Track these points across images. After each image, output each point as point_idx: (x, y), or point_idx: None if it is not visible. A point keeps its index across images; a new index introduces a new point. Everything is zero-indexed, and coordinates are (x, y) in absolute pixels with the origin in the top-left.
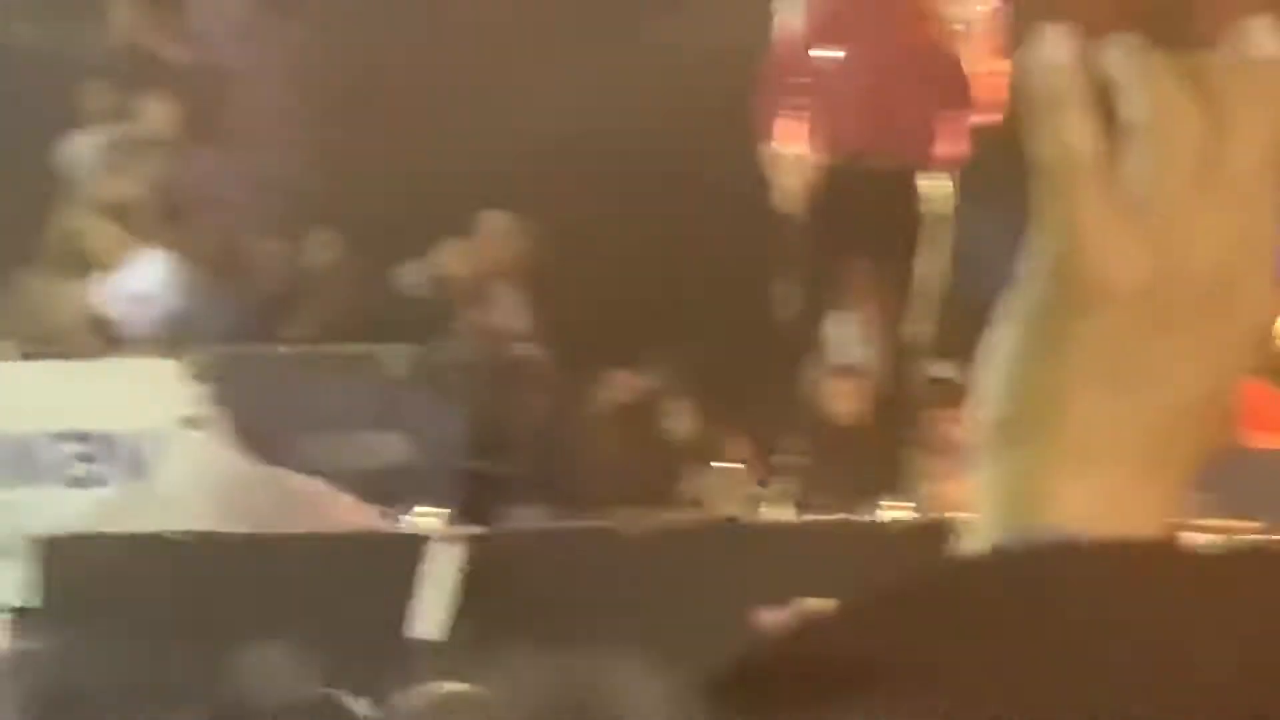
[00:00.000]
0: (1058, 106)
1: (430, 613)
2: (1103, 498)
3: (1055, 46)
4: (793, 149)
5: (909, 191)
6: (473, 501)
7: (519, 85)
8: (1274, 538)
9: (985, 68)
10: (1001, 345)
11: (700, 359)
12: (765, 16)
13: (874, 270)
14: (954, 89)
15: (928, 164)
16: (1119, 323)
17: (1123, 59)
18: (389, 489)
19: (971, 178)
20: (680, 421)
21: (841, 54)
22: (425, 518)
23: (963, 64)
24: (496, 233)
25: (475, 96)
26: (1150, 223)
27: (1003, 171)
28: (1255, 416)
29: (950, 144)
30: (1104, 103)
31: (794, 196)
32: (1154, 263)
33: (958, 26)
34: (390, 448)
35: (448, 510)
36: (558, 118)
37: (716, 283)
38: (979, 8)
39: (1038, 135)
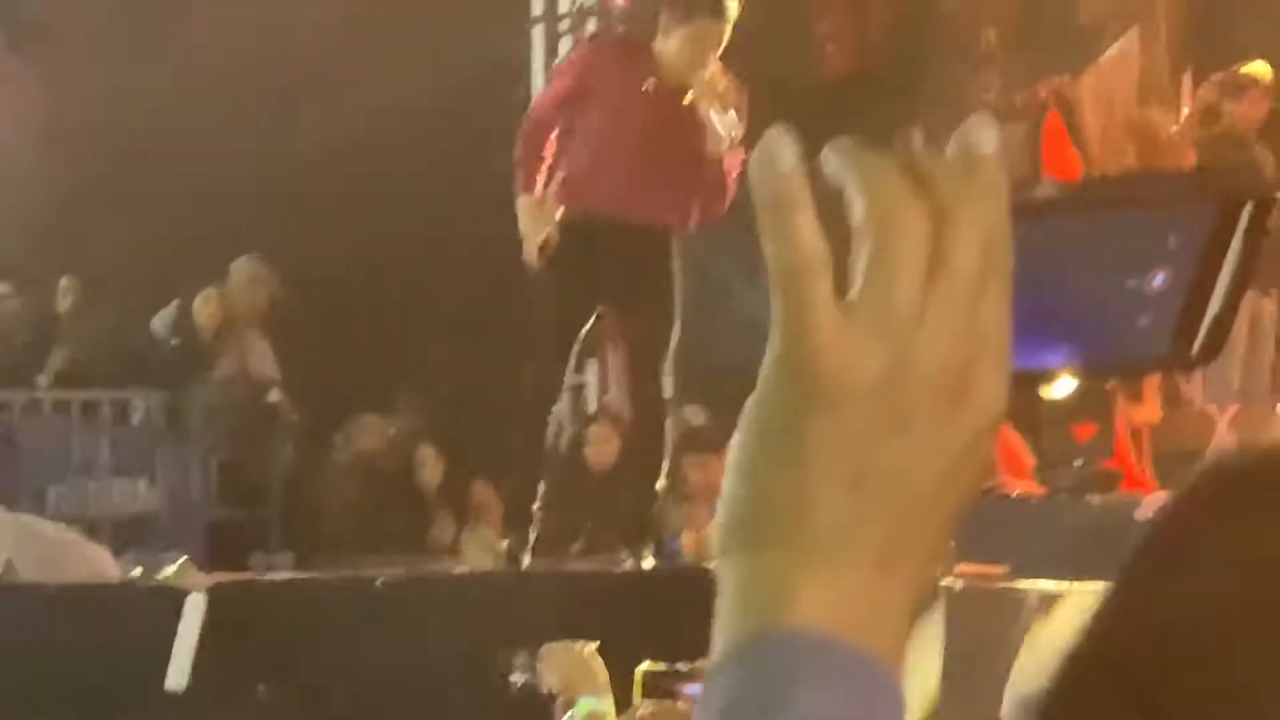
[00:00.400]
0: (784, 209)
1: (177, 663)
2: (844, 597)
3: (780, 151)
4: (545, 201)
5: (662, 247)
6: (222, 549)
7: (267, 130)
8: (1018, 583)
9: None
10: (741, 447)
11: (451, 406)
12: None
13: (625, 320)
14: (710, 168)
15: (682, 227)
16: (854, 421)
17: (842, 161)
18: (138, 536)
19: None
20: (430, 469)
21: (601, 115)
22: (174, 566)
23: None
24: (247, 279)
25: (225, 142)
26: (879, 321)
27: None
28: (1004, 462)
29: (703, 213)
30: (837, 204)
31: (544, 247)
32: (885, 360)
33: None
34: (139, 494)
35: (196, 557)
36: (308, 165)
37: (468, 330)
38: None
39: (766, 237)
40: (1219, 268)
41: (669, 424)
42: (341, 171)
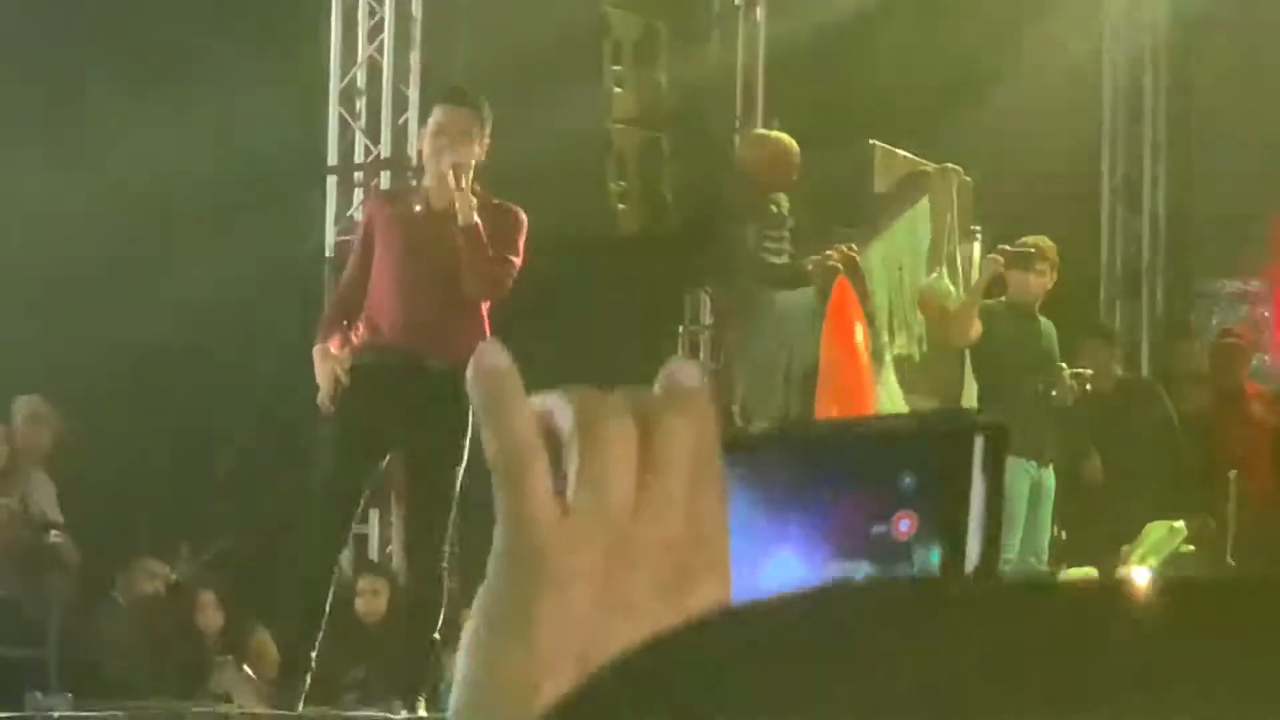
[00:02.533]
0: (500, 406)
1: None
2: None
3: (495, 352)
4: (334, 346)
5: (450, 387)
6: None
7: (58, 273)
8: None
9: None
10: (473, 631)
11: (230, 553)
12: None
13: (411, 465)
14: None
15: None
16: (579, 603)
17: (558, 400)
18: None
19: None
20: (210, 614)
21: (379, 253)
22: None
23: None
24: (28, 416)
25: (11, 282)
26: (596, 514)
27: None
28: None
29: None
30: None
31: (331, 391)
32: (603, 550)
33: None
34: None
35: None
36: (95, 305)
37: (255, 476)
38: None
39: (485, 434)
40: (964, 505)
41: (446, 576)
42: (129, 311)
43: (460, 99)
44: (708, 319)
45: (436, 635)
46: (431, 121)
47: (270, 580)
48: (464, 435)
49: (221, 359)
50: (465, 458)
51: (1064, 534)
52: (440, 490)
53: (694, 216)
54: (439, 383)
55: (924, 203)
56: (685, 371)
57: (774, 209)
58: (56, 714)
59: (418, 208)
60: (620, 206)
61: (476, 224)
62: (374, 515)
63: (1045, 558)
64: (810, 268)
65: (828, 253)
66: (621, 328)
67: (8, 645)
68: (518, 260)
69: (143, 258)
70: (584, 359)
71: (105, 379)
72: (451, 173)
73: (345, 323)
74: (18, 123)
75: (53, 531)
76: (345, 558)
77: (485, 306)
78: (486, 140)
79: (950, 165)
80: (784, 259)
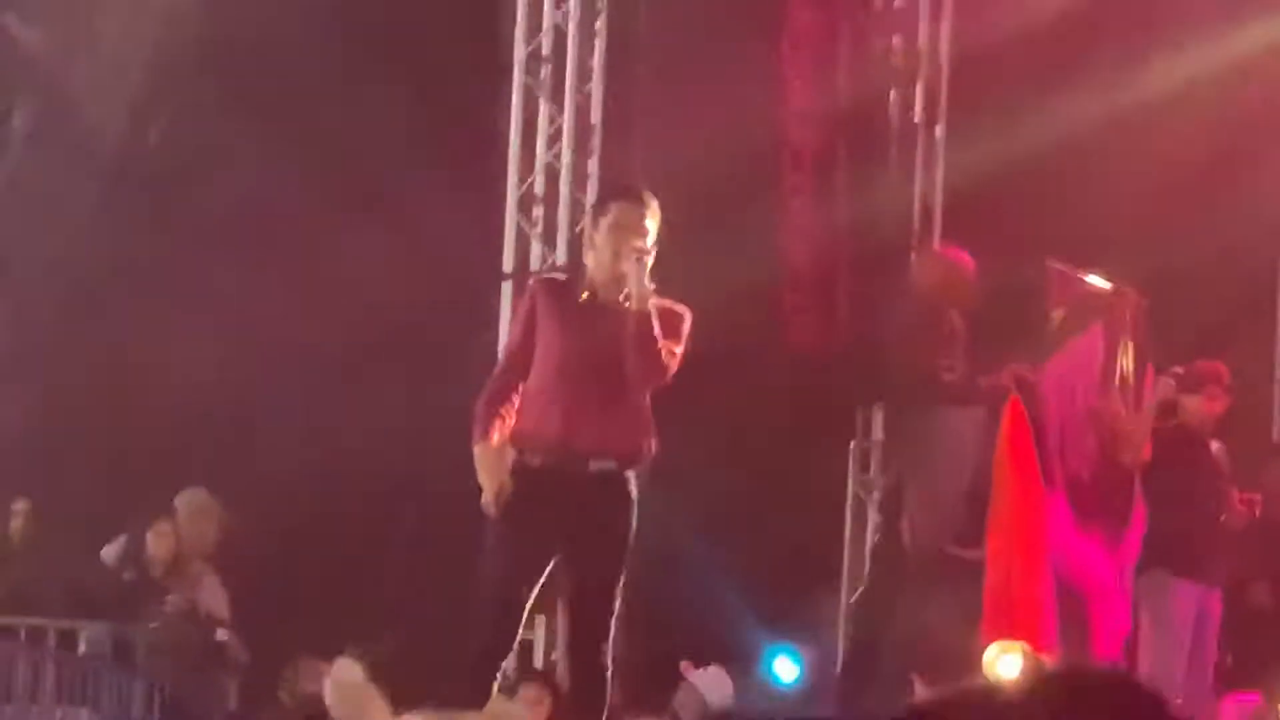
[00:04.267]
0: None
1: None
2: None
3: (351, 669)
4: (500, 448)
5: (614, 488)
6: None
7: (224, 364)
8: None
9: None
10: None
11: (399, 652)
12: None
13: (575, 572)
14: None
15: (634, 461)
16: None
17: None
18: None
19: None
20: (373, 714)
21: (542, 346)
22: None
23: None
24: (193, 510)
25: (180, 373)
26: None
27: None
28: None
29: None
30: None
31: (499, 495)
32: None
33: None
34: None
35: None
36: (267, 399)
37: (422, 576)
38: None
39: None
40: None
41: (610, 685)
42: (301, 407)
43: (636, 195)
44: (879, 434)
45: None
46: (608, 217)
47: (436, 683)
48: (628, 537)
49: (392, 459)
50: (626, 559)
51: (1230, 658)
52: (604, 592)
53: (868, 332)
54: (602, 485)
55: (1097, 326)
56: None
57: (948, 327)
58: None
59: (584, 296)
60: (796, 319)
61: (650, 311)
62: (540, 620)
63: (1210, 681)
64: (984, 386)
65: (1001, 372)
66: (794, 440)
67: None
68: (680, 352)
69: (325, 367)
70: (756, 469)
71: (272, 474)
72: (634, 259)
73: (502, 410)
74: (215, 243)
75: (220, 630)
76: (509, 663)
77: (648, 400)
78: (655, 239)
79: (1126, 288)
80: (957, 377)
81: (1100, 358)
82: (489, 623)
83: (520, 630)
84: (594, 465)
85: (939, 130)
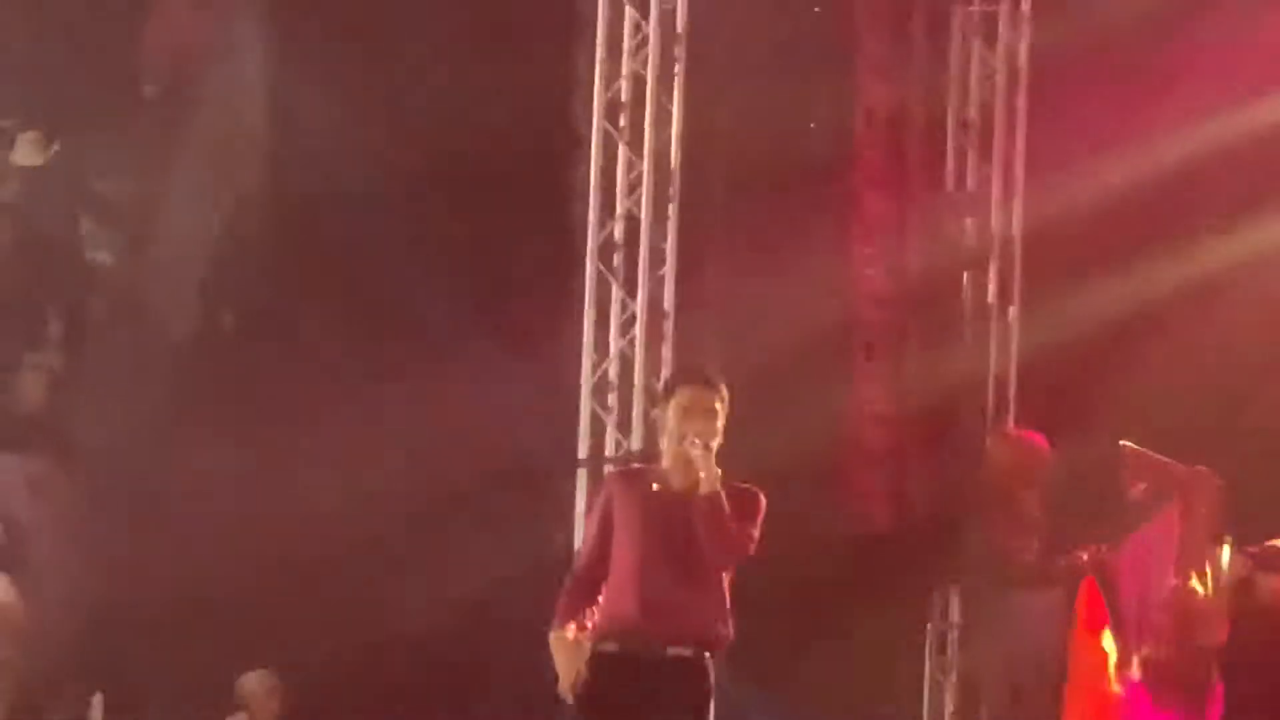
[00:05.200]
0: None
1: None
2: None
3: None
4: (578, 638)
5: (692, 678)
6: None
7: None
8: None
9: None
10: None
11: None
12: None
13: None
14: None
15: (711, 645)
16: None
17: None
18: None
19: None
20: None
21: (619, 536)
22: None
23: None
24: (264, 693)
25: (246, 559)
26: None
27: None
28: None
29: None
30: None
31: (571, 680)
32: None
33: None
34: None
35: None
36: (325, 584)
37: None
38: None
39: None
40: None
41: None
42: (368, 588)
43: (704, 379)
44: (956, 617)
45: None
46: (675, 402)
47: None
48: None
49: (468, 650)
50: None
51: None
52: None
53: (943, 513)
54: (680, 672)
55: (1172, 505)
56: None
57: (1023, 508)
58: None
59: (656, 487)
60: (870, 502)
61: (719, 491)
62: None
63: None
64: (1060, 568)
65: (1077, 554)
66: (870, 624)
67: None
68: (756, 533)
69: (393, 548)
70: (832, 654)
71: (337, 655)
72: (699, 442)
73: (583, 607)
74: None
75: None
76: None
77: (727, 586)
78: (724, 420)
79: (1202, 468)
80: (1033, 558)
81: (1176, 538)
82: None
83: None
84: (671, 651)
85: (1013, 311)
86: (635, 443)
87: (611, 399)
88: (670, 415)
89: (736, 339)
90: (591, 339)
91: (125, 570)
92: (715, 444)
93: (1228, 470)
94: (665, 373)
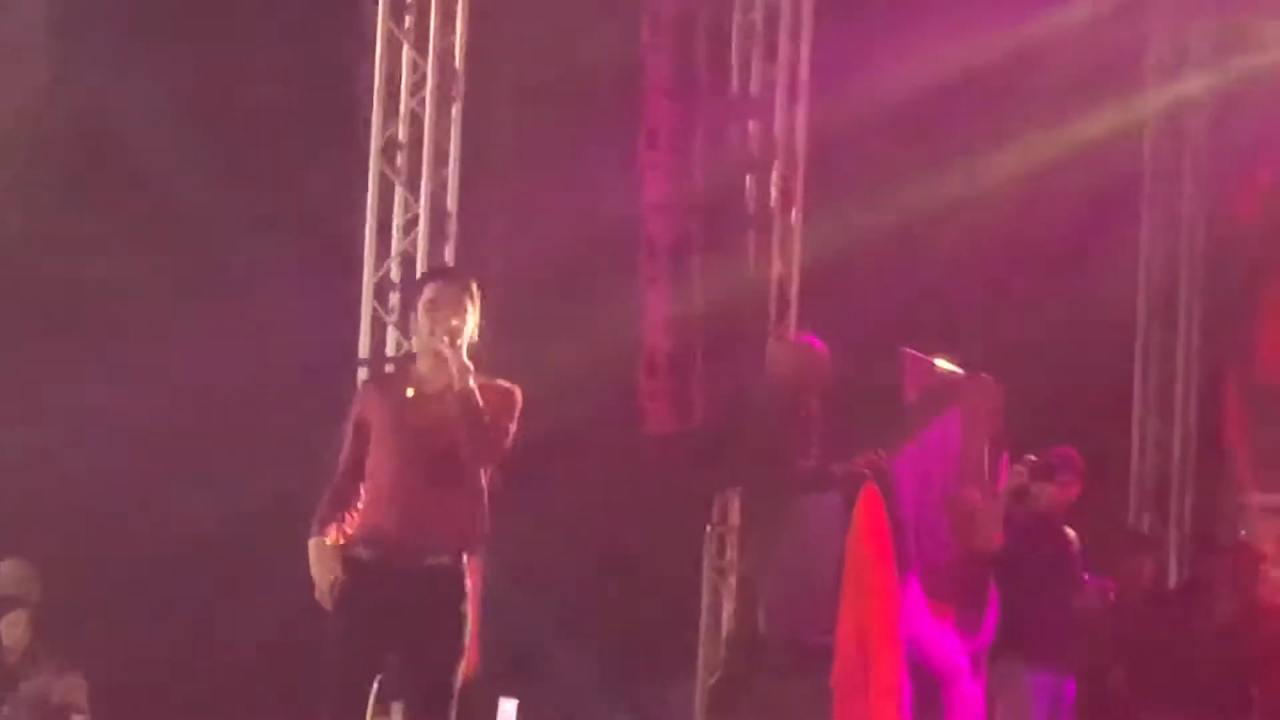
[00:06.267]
0: None
1: None
2: None
3: None
4: (333, 545)
5: (448, 584)
6: None
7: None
8: None
9: None
10: None
11: None
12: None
13: (409, 666)
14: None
15: (469, 548)
16: None
17: None
18: None
19: None
20: None
21: (375, 443)
22: None
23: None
24: (11, 581)
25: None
26: None
27: None
28: None
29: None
30: None
31: (327, 587)
32: None
33: None
34: None
35: None
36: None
37: (277, 666)
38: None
39: None
40: None
41: None
42: (148, 491)
43: (451, 274)
44: (735, 520)
45: None
46: (424, 298)
47: None
48: (463, 632)
49: (247, 551)
50: (463, 652)
51: None
52: (439, 688)
53: (724, 418)
54: (436, 581)
55: (954, 413)
56: None
57: (804, 414)
58: None
59: (410, 392)
60: (650, 404)
61: (472, 389)
62: (397, 707)
63: None
64: (840, 474)
65: (857, 459)
66: (648, 526)
67: None
68: (513, 429)
69: (177, 455)
70: (610, 555)
71: (135, 559)
72: (447, 338)
73: (340, 513)
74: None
75: (76, 718)
76: None
77: (486, 489)
78: (477, 316)
79: (982, 374)
80: (813, 464)
81: (956, 444)
82: (335, 715)
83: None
84: (429, 560)
85: (795, 215)
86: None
87: (394, 299)
88: (420, 313)
89: (521, 243)
90: (374, 240)
91: None
92: (465, 340)
93: (1007, 376)
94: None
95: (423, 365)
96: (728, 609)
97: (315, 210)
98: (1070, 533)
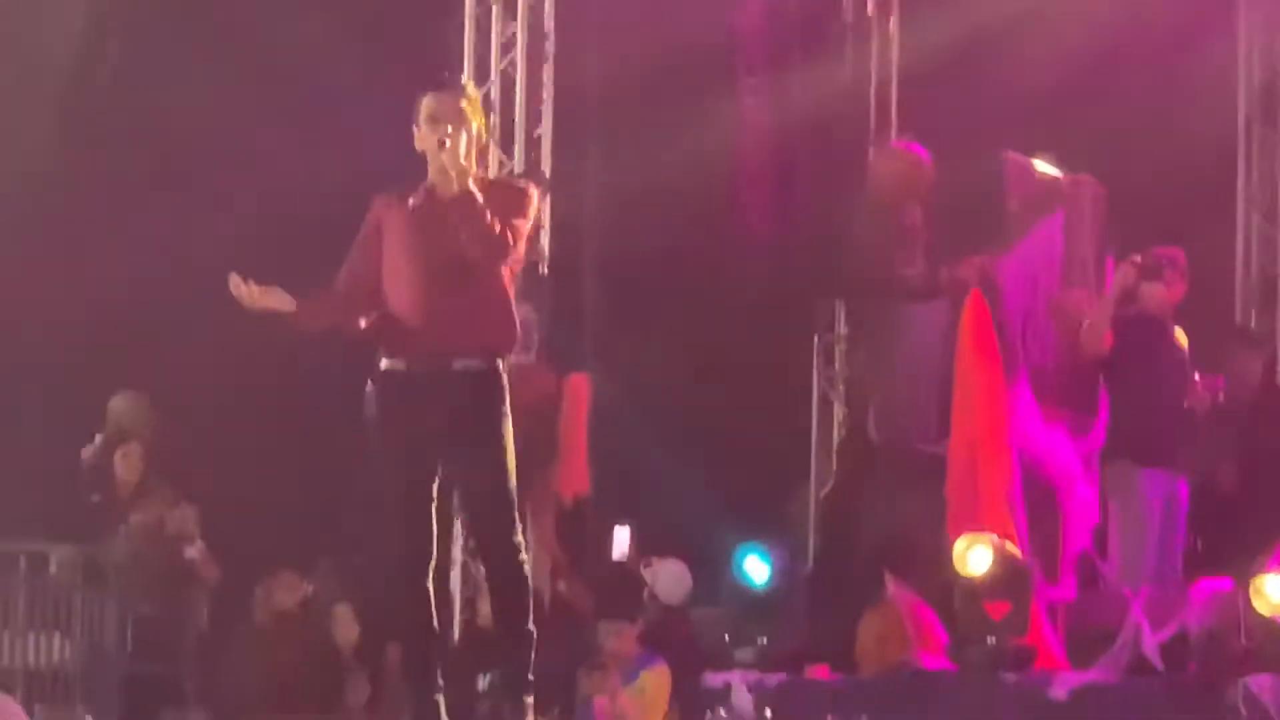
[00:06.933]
0: None
1: None
2: None
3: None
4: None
5: (481, 386)
6: (134, 705)
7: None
8: None
9: None
10: None
11: (366, 568)
12: None
13: (460, 473)
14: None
15: (498, 350)
16: None
17: None
18: (52, 690)
19: None
20: (345, 629)
21: (387, 256)
22: None
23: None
24: (125, 413)
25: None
26: None
27: None
28: (918, 637)
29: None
30: None
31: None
32: None
33: None
34: (54, 648)
35: (108, 713)
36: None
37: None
38: None
39: None
40: None
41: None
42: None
43: (448, 85)
44: (842, 329)
45: (532, 628)
46: (424, 111)
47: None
48: (506, 432)
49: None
50: (510, 454)
51: (1199, 544)
52: (495, 489)
53: (827, 227)
54: (468, 384)
55: (1058, 216)
56: None
57: (907, 222)
58: None
59: (412, 201)
60: (754, 215)
61: (472, 191)
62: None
63: (1179, 568)
64: (945, 280)
65: (962, 265)
66: (758, 336)
67: (144, 662)
68: (523, 227)
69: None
70: (720, 367)
71: (240, 390)
72: (447, 143)
73: (318, 294)
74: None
75: (189, 548)
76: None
77: (505, 285)
78: (480, 123)
79: (1084, 176)
80: (918, 271)
81: (1060, 247)
82: (400, 531)
83: (433, 530)
84: (458, 364)
85: (893, 23)
86: (518, 166)
87: (494, 119)
88: (421, 125)
89: (617, 60)
90: (473, 61)
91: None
92: (464, 144)
93: (1109, 177)
94: (548, 95)
95: (431, 176)
96: (838, 418)
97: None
98: (1178, 333)
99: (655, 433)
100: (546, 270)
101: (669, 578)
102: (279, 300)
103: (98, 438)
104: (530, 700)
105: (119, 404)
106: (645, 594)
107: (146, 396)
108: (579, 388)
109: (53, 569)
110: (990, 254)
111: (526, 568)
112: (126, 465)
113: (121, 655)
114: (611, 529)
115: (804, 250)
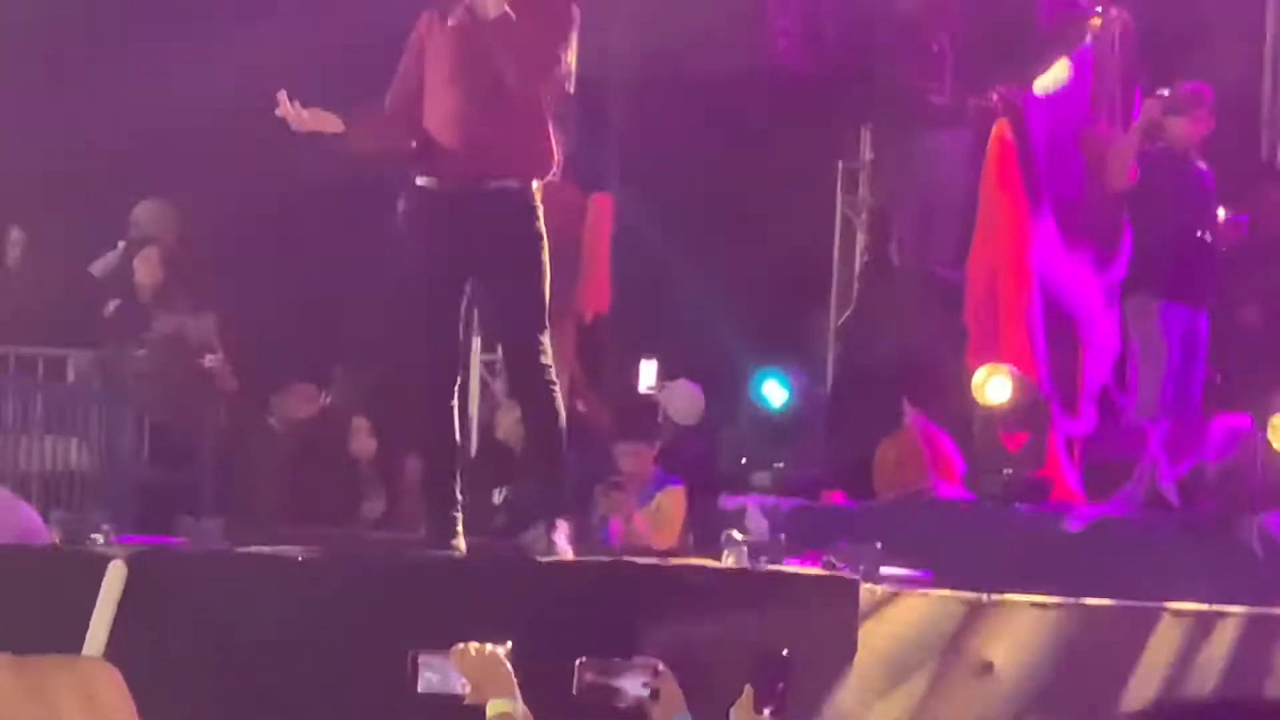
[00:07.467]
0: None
1: (94, 630)
2: None
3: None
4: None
5: (516, 204)
6: (150, 511)
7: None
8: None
9: None
10: None
11: (380, 381)
12: None
13: (492, 291)
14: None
15: (534, 173)
16: None
17: None
18: (68, 494)
19: None
20: (362, 441)
21: (428, 74)
22: (99, 531)
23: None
24: (148, 219)
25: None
26: None
27: None
28: (935, 466)
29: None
30: None
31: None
32: None
33: None
34: (71, 453)
35: (124, 517)
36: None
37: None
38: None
39: None
40: None
41: (557, 390)
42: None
43: None
44: (868, 155)
45: (565, 451)
46: None
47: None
48: (539, 251)
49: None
50: (544, 274)
51: (1219, 379)
52: (528, 308)
53: (855, 54)
54: (502, 202)
55: (1086, 45)
56: None
57: (934, 49)
58: (200, 546)
59: (452, 22)
60: (782, 41)
61: (507, 13)
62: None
63: (1198, 402)
64: (971, 109)
65: (988, 94)
66: (781, 160)
67: (161, 468)
68: (565, 52)
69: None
70: (743, 186)
71: (259, 201)
72: None
73: (377, 117)
74: None
75: (208, 356)
76: (497, 385)
77: (544, 109)
78: None
79: (1113, 7)
80: (944, 99)
81: (1088, 79)
82: (423, 341)
83: (459, 348)
84: (493, 184)
85: None
86: None
87: None
88: None
89: None
90: None
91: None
92: None
93: (1138, 11)
94: None
95: None
96: (861, 242)
97: None
98: (1203, 167)
99: (677, 256)
100: (573, 88)
101: (682, 399)
102: (327, 122)
103: (120, 244)
104: (564, 522)
105: (142, 210)
106: (659, 415)
107: (169, 203)
108: (603, 206)
109: (71, 374)
110: (1018, 84)
111: (558, 390)
112: (146, 269)
113: (138, 462)
114: (631, 352)
115: (832, 76)
